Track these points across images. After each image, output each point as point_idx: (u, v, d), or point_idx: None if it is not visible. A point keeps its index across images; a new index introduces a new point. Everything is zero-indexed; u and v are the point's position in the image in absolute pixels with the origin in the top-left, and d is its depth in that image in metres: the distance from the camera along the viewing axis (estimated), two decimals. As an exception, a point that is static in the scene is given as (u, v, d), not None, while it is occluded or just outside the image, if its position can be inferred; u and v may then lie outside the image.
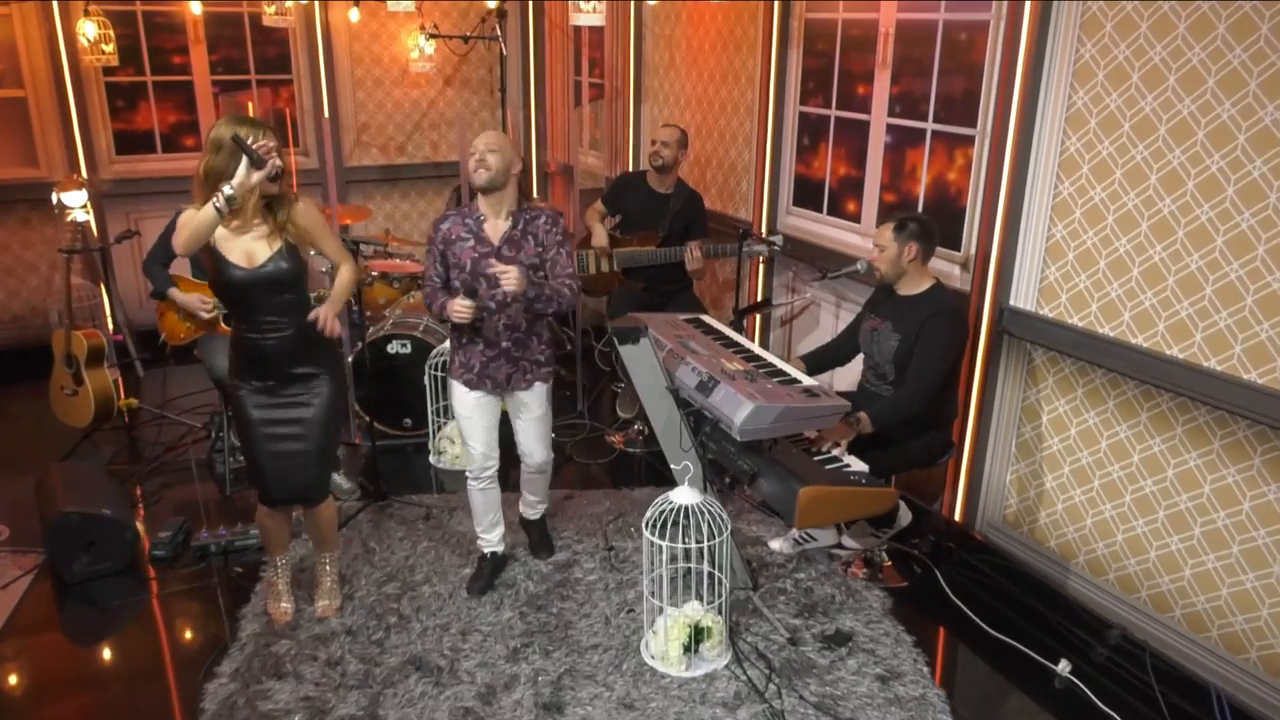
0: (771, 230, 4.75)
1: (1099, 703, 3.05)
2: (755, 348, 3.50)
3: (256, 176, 2.76)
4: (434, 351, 4.61)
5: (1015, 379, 3.58)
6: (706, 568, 3.16)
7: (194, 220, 2.76)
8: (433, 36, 6.28)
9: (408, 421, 4.83)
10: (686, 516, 3.12)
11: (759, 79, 4.68)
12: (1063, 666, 3.21)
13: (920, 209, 3.97)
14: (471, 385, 3.40)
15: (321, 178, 6.53)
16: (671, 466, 3.35)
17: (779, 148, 4.67)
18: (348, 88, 6.57)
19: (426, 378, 4.59)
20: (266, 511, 3.22)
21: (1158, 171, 2.97)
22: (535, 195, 7.00)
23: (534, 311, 3.29)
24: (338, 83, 6.49)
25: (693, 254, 4.48)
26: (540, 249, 3.30)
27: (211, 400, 5.12)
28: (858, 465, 3.05)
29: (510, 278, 3.09)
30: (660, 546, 3.11)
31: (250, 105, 6.14)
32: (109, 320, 5.71)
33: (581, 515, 4.17)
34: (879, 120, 4.09)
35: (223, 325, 4.22)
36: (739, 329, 4.11)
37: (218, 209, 2.73)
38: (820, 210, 4.54)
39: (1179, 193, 2.92)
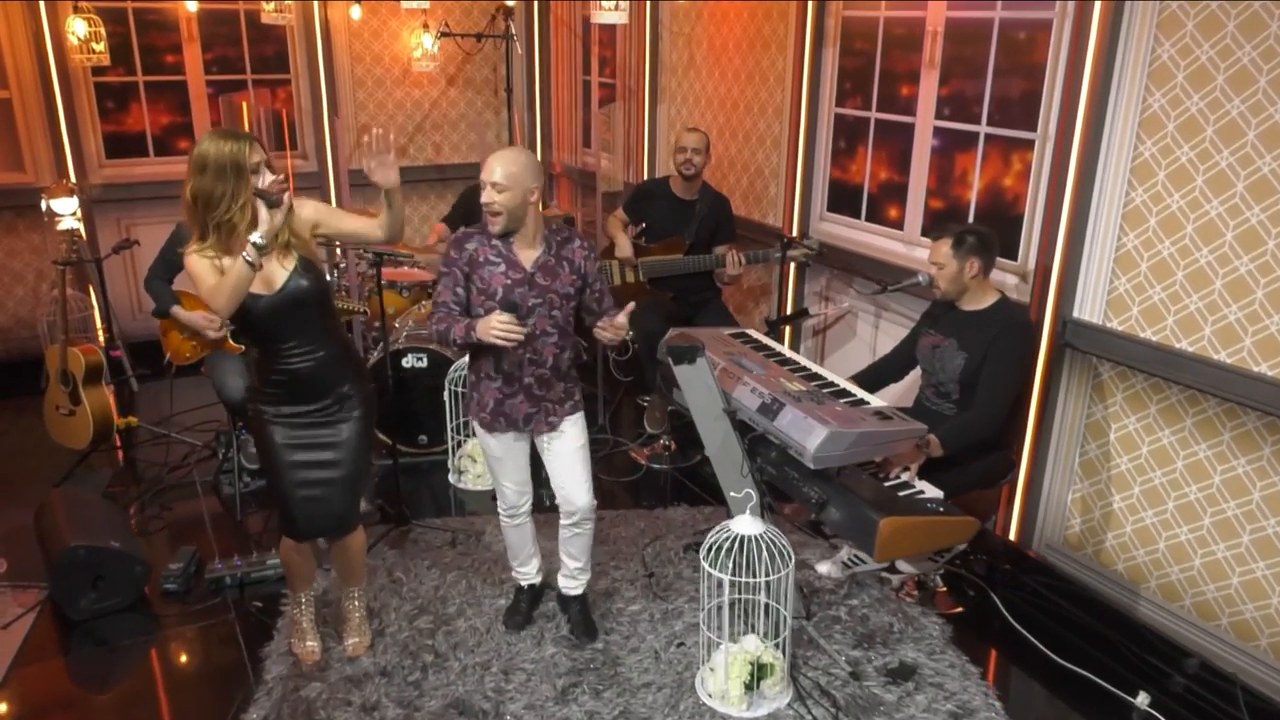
0: (804, 237, 4.57)
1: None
2: (813, 365, 3.31)
3: (279, 217, 2.58)
4: (454, 366, 4.39)
5: (1078, 395, 3.41)
6: (765, 599, 2.97)
7: (227, 282, 2.55)
8: (444, 35, 6.04)
9: (423, 439, 4.61)
10: (742, 546, 2.93)
11: (790, 79, 4.49)
12: (1142, 699, 3.05)
13: (972, 216, 3.80)
14: (487, 426, 3.05)
15: (320, 181, 6.29)
16: (729, 494, 3.16)
17: (812, 151, 4.49)
18: (347, 87, 6.32)
19: (446, 394, 4.37)
20: (293, 546, 3.00)
21: (1245, 179, 2.81)
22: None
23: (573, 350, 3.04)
24: (337, 82, 6.24)
25: (733, 260, 4.29)
26: (577, 277, 2.97)
27: (215, 416, 4.89)
28: (931, 491, 2.87)
29: (617, 329, 2.86)
30: (719, 579, 2.92)
31: (245, 106, 5.87)
32: (99, 333, 5.44)
33: (614, 538, 3.97)
34: (925, 123, 3.91)
35: (231, 343, 3.98)
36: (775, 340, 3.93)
37: (249, 262, 2.53)
38: (858, 216, 4.36)
39: (1270, 201, 2.76)
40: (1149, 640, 3.19)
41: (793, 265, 4.63)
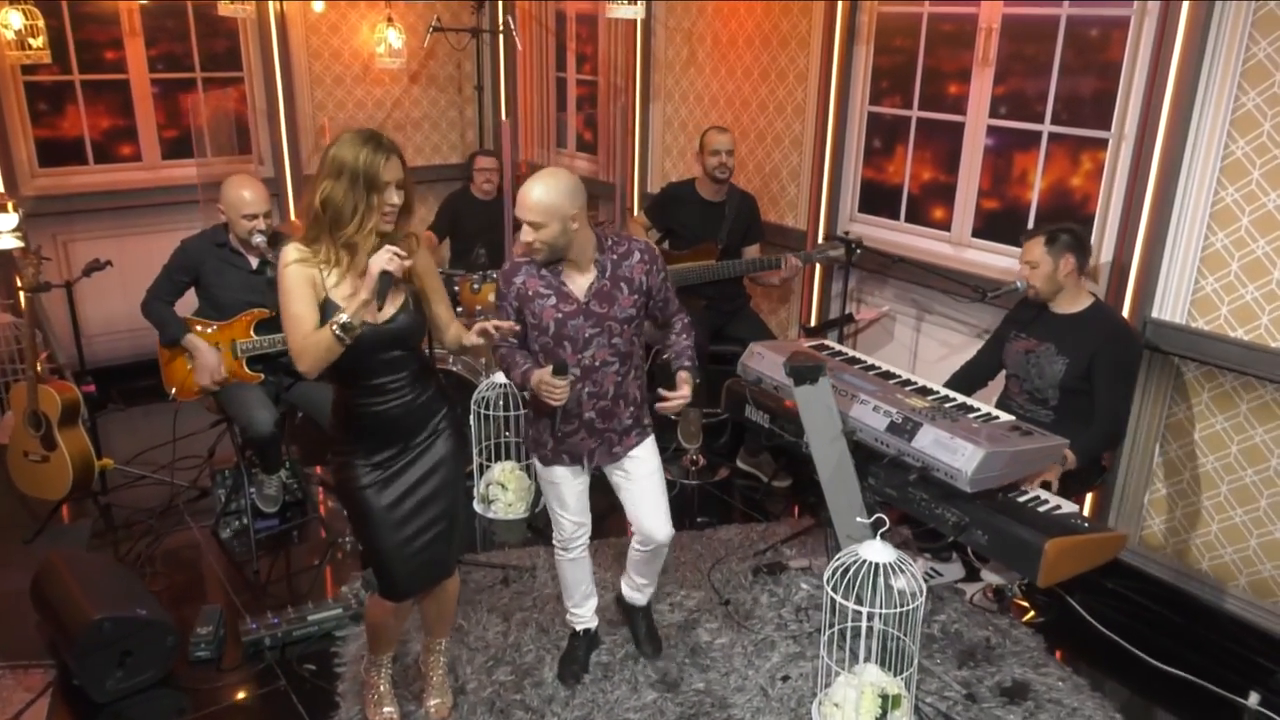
0: (830, 238, 4.44)
1: (1307, 738, 2.90)
2: (915, 376, 3.17)
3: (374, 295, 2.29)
4: (477, 390, 4.08)
5: (1158, 395, 3.39)
6: (884, 627, 2.82)
7: (315, 344, 2.27)
8: (436, 29, 5.65)
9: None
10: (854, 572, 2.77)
11: (817, 77, 4.35)
12: (1254, 699, 3.05)
13: (1033, 217, 3.74)
14: (547, 462, 2.86)
15: (276, 188, 5.79)
16: (835, 517, 2.99)
17: (841, 151, 4.36)
18: (305, 85, 5.84)
19: (472, 416, 4.06)
20: (391, 609, 2.65)
21: (1352, 177, 2.82)
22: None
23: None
24: (295, 80, 5.76)
25: (788, 264, 4.11)
26: (638, 295, 2.72)
27: (194, 452, 4.40)
28: (1067, 506, 2.77)
29: (680, 401, 2.72)
30: (843, 606, 2.75)
31: (201, 107, 5.36)
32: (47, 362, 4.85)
33: (672, 563, 3.73)
34: (977, 122, 3.83)
35: (245, 370, 3.57)
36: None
37: (338, 338, 2.24)
38: (895, 217, 4.26)
39: (1380, 200, 2.77)
40: (1243, 637, 3.20)
41: (818, 267, 4.51)
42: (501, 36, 6.10)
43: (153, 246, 5.34)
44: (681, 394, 2.72)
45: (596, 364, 2.70)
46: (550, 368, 2.59)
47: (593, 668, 3.13)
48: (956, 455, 2.52)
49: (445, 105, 6.42)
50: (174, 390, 3.61)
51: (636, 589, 3.17)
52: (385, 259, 2.25)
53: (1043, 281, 3.16)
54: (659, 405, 2.75)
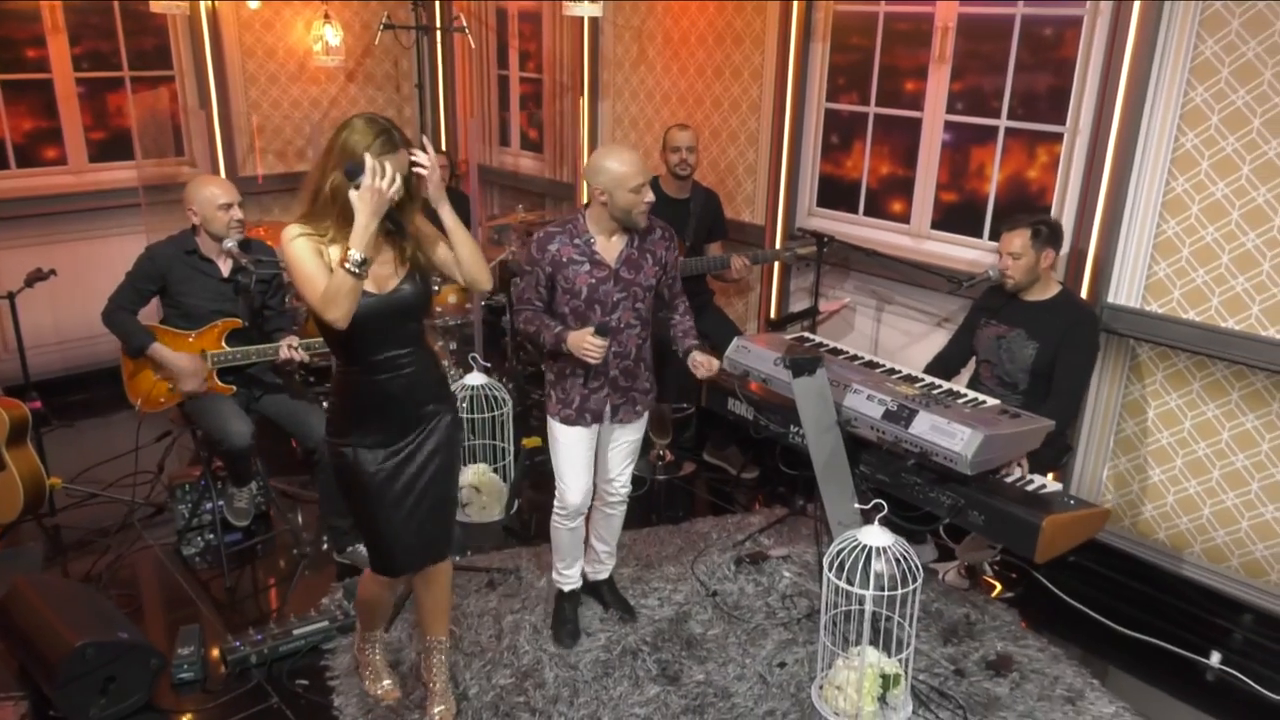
0: (793, 236, 4.53)
1: (1268, 692, 3.11)
2: (896, 364, 3.26)
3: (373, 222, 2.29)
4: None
5: (1115, 376, 3.57)
6: (878, 610, 2.90)
7: (336, 288, 2.25)
8: (387, 27, 5.51)
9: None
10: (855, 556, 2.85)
11: (774, 74, 4.43)
12: (1215, 658, 3.25)
13: (991, 208, 3.89)
14: (570, 422, 3.04)
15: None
16: (829, 505, 3.06)
17: (799, 147, 4.45)
18: (239, 84, 5.65)
19: (444, 420, 4.00)
20: (386, 583, 2.68)
21: (1293, 167, 3.02)
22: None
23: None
24: (228, 79, 5.56)
25: (736, 265, 4.17)
26: (658, 268, 3.03)
27: (142, 468, 4.21)
28: (1051, 485, 2.91)
29: (709, 367, 3.00)
30: (841, 589, 2.83)
31: (139, 105, 5.14)
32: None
33: (655, 558, 3.78)
34: (935, 118, 3.96)
35: (217, 382, 3.44)
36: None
37: (353, 273, 2.24)
38: (854, 211, 4.37)
39: (1320, 187, 2.98)
40: (1201, 601, 3.41)
41: (776, 264, 4.59)
42: (440, 34, 6.01)
43: (81, 254, 5.13)
44: (710, 361, 3.01)
45: (622, 326, 2.94)
46: (592, 328, 2.81)
47: (591, 665, 3.14)
48: (955, 440, 2.61)
49: (383, 104, 6.30)
50: (139, 402, 3.46)
51: (600, 559, 3.39)
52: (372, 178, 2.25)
53: (1023, 273, 3.28)
54: (700, 370, 3.02)
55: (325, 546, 3.81)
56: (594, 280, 2.91)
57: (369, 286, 2.35)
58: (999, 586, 3.69)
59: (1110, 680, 3.21)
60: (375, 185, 2.22)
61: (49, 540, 3.86)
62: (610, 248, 2.94)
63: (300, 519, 4.05)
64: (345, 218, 2.28)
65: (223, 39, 5.49)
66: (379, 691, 2.92)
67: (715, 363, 3.03)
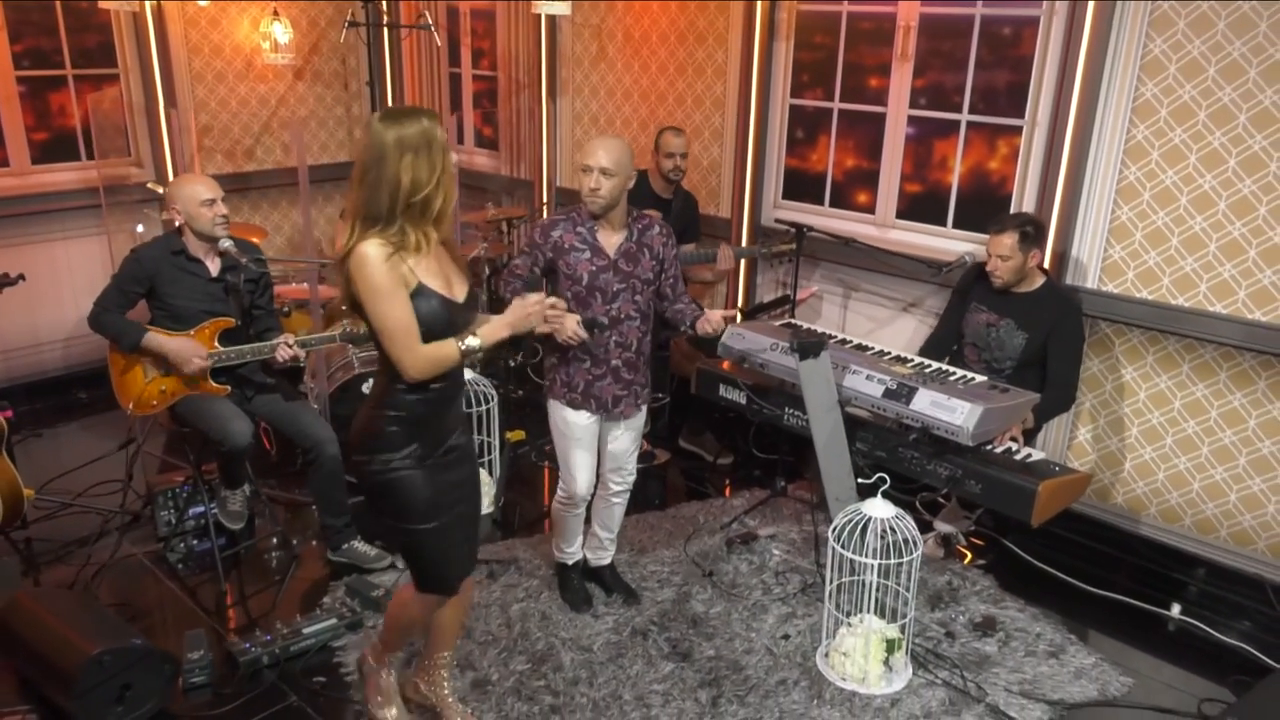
0: (756, 225, 4.68)
1: (1224, 637, 3.39)
2: (887, 347, 3.43)
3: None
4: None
5: (1075, 352, 3.82)
6: (879, 579, 3.08)
7: (436, 356, 2.31)
8: (352, 25, 5.44)
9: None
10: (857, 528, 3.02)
11: (738, 72, 4.57)
12: (1175, 609, 3.53)
13: (954, 199, 4.11)
14: (576, 406, 3.13)
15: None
16: (828, 482, 3.22)
17: (764, 142, 4.60)
18: (185, 83, 5.51)
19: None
20: (435, 602, 2.59)
21: (1237, 156, 3.30)
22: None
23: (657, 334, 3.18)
24: (175, 77, 5.42)
25: (723, 256, 4.30)
26: (656, 263, 3.13)
27: (113, 475, 4.12)
28: (1037, 454, 3.11)
29: (719, 325, 3.03)
30: (844, 558, 3.00)
31: (94, 104, 4.98)
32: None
33: (647, 544, 3.88)
34: (898, 113, 4.16)
35: (210, 383, 3.40)
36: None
37: (463, 354, 2.35)
38: (819, 203, 4.54)
39: (1260, 174, 3.26)
40: (1158, 559, 3.70)
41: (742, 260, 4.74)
42: (395, 31, 5.98)
43: (27, 259, 4.93)
44: (720, 314, 3.05)
45: (622, 316, 3.05)
46: (577, 318, 2.87)
47: (604, 648, 3.23)
48: (955, 414, 2.79)
49: (331, 102, 6.22)
50: (131, 404, 3.38)
51: (603, 546, 3.50)
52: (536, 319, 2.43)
53: (1011, 274, 3.48)
54: (700, 323, 3.04)
55: (315, 544, 3.80)
56: (594, 268, 3.02)
57: (446, 292, 2.31)
58: (969, 555, 3.91)
59: (1085, 637, 3.45)
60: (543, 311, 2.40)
61: (20, 554, 3.74)
62: (612, 239, 3.05)
63: (282, 519, 4.02)
64: (420, 215, 2.23)
65: (169, 36, 5.35)
66: (387, 717, 2.80)
67: (725, 315, 3.06)
